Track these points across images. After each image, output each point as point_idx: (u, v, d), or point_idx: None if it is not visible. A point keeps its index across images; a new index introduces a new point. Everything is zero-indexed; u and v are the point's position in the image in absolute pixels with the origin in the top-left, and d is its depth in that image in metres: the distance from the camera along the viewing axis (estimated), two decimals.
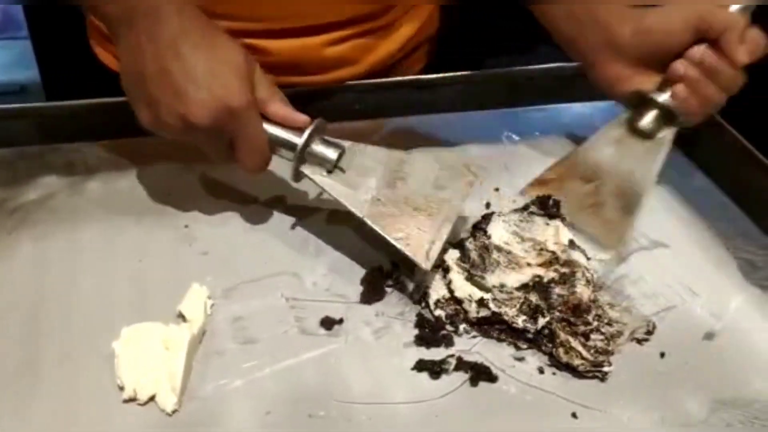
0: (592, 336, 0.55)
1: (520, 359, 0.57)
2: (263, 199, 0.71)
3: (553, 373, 0.56)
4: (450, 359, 0.56)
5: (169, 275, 0.62)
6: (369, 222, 0.58)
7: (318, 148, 0.61)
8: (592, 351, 0.55)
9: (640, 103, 0.68)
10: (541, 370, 0.56)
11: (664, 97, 0.66)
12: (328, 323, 0.58)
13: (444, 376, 0.55)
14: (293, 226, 0.68)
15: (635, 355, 0.57)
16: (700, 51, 0.65)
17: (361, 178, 0.61)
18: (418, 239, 0.58)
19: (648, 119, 0.68)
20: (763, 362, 0.57)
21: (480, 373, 0.55)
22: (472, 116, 0.85)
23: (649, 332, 0.59)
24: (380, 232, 0.58)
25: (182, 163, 0.75)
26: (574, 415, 0.53)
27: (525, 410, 0.53)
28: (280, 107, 0.62)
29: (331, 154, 0.61)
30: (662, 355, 0.57)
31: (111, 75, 0.83)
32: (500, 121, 0.84)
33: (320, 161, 0.61)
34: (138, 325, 0.55)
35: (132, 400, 0.52)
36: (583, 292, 0.58)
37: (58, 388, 0.53)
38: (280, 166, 0.64)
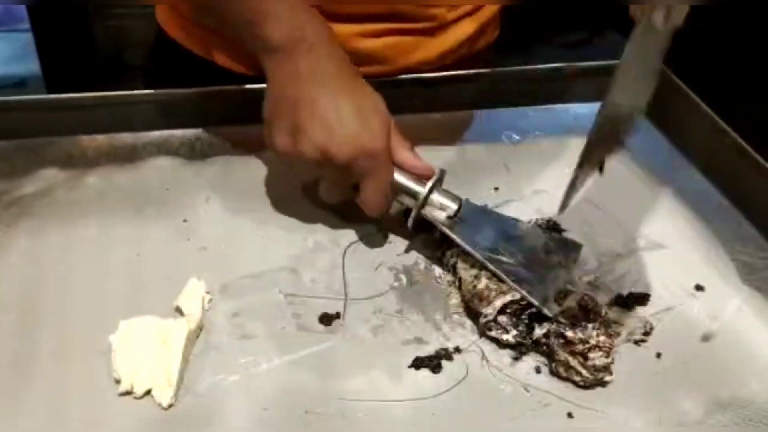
0: (591, 354, 0.54)
1: (517, 358, 0.57)
2: (263, 196, 0.71)
3: (550, 373, 0.56)
4: (442, 351, 0.56)
5: (167, 270, 0.62)
6: (490, 266, 0.60)
7: (439, 198, 0.64)
8: (591, 370, 0.54)
9: None
10: (537, 370, 0.56)
11: None
12: (326, 319, 0.59)
13: (441, 375, 0.55)
14: (292, 223, 0.68)
15: (633, 355, 0.57)
16: None
17: (477, 229, 0.64)
18: (537, 288, 0.59)
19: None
20: (759, 364, 0.57)
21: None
22: (472, 115, 0.84)
23: (647, 333, 0.59)
24: (503, 277, 0.59)
25: (181, 157, 0.75)
26: (570, 415, 0.53)
27: (521, 410, 0.53)
28: (410, 156, 0.65)
29: (452, 204, 0.64)
30: (659, 355, 0.57)
31: (179, 48, 0.83)
32: (500, 121, 0.84)
33: (441, 208, 0.64)
34: (135, 319, 0.55)
35: (128, 393, 0.52)
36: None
37: (54, 381, 0.53)
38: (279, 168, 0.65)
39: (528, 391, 0.54)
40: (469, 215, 0.64)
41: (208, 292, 0.60)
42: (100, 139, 0.76)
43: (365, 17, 0.78)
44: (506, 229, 0.65)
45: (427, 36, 0.81)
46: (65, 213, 0.67)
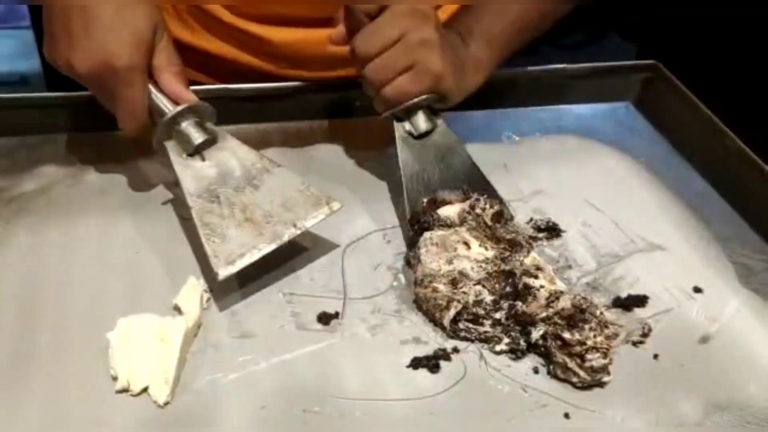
0: (588, 356, 0.54)
1: (515, 359, 0.57)
2: None
3: (548, 373, 0.56)
4: (441, 351, 0.56)
5: (166, 268, 0.62)
6: (193, 214, 0.58)
7: (187, 128, 0.61)
8: (589, 371, 0.54)
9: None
10: (536, 370, 0.56)
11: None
12: (324, 319, 0.59)
13: (439, 375, 0.55)
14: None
15: (631, 357, 0.57)
16: None
17: (215, 172, 0.61)
18: (229, 247, 0.57)
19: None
20: (758, 366, 0.57)
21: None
22: (472, 115, 0.84)
23: (645, 335, 0.59)
24: (198, 227, 0.57)
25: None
26: (567, 416, 0.53)
27: (519, 410, 0.53)
28: (171, 79, 0.62)
29: (196, 137, 0.61)
30: (657, 357, 0.57)
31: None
32: (501, 121, 0.84)
33: (184, 141, 0.61)
34: (133, 316, 0.55)
35: (125, 390, 0.52)
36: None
37: (52, 378, 0.53)
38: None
39: (526, 392, 0.54)
40: (219, 154, 0.62)
41: (206, 291, 0.60)
42: (100, 137, 0.76)
43: (329, 21, 0.76)
44: (253, 176, 0.62)
45: None
46: (65, 210, 0.67)
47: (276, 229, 0.59)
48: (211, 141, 0.61)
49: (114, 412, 0.51)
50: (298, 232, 0.59)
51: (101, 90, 0.62)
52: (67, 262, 0.62)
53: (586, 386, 0.55)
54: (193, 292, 0.58)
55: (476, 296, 0.58)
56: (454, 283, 0.58)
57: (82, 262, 0.62)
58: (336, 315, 0.59)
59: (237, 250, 0.57)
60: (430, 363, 0.55)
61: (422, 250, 0.61)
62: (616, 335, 0.58)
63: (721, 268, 0.66)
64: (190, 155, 0.61)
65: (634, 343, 0.58)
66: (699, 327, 0.60)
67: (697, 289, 0.63)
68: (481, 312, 0.57)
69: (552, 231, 0.68)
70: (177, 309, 0.58)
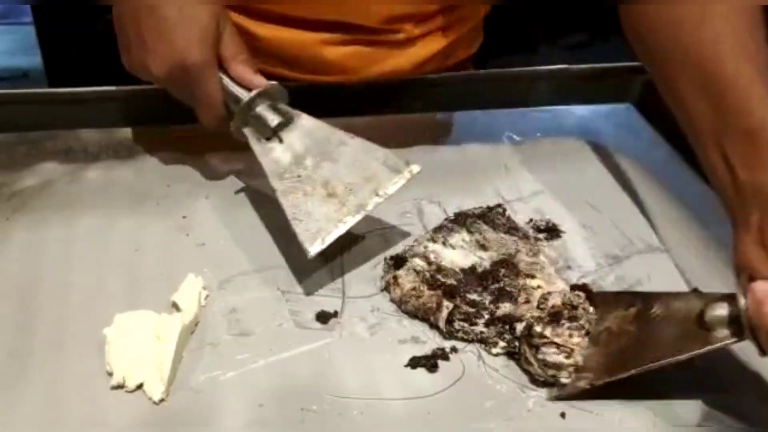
0: (544, 349, 0.54)
1: (514, 359, 0.57)
2: (263, 192, 0.71)
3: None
4: (439, 351, 0.56)
5: (165, 265, 0.62)
6: (278, 196, 0.58)
7: (263, 111, 0.62)
8: (541, 364, 0.54)
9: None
10: None
11: (743, 301, 0.49)
12: (323, 317, 0.59)
13: (437, 374, 0.55)
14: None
15: None
16: None
17: (293, 151, 0.61)
18: (316, 224, 0.57)
19: (716, 308, 0.51)
20: (755, 371, 0.57)
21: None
22: (473, 116, 0.85)
23: None
24: (283, 207, 0.57)
25: (183, 152, 0.75)
26: (565, 416, 0.53)
27: (517, 410, 0.53)
28: (241, 68, 0.63)
29: (272, 119, 0.62)
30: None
31: (65, 57, 0.84)
32: (502, 122, 0.84)
33: (261, 125, 0.62)
34: (130, 312, 0.55)
35: (120, 387, 0.52)
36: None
37: (48, 373, 0.53)
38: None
39: (524, 392, 0.54)
40: (297, 134, 0.62)
41: (205, 288, 0.60)
42: (101, 133, 0.77)
43: (328, 26, 0.77)
44: (330, 150, 0.62)
45: (393, 49, 0.80)
46: (65, 206, 0.67)
47: (359, 199, 0.59)
48: (286, 122, 0.62)
49: (109, 408, 0.51)
50: (381, 200, 0.59)
51: (179, 89, 0.64)
52: (67, 258, 0.62)
53: (545, 381, 0.54)
54: (191, 289, 0.58)
55: (464, 295, 0.58)
56: (435, 281, 0.59)
57: (82, 258, 0.62)
58: (335, 314, 0.59)
59: (324, 225, 0.57)
60: (429, 362, 0.55)
61: (402, 275, 0.61)
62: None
63: (721, 271, 0.66)
64: (268, 138, 0.62)
65: None
66: None
67: (696, 291, 0.63)
68: (472, 311, 0.57)
69: (552, 232, 0.68)
70: (175, 306, 0.58)
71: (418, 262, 0.61)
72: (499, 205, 0.68)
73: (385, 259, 0.64)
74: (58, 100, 0.77)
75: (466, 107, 0.85)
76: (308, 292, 0.61)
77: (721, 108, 0.53)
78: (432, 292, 0.58)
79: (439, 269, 0.60)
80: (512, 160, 0.78)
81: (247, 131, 0.63)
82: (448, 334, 0.57)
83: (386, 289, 0.61)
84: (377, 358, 0.56)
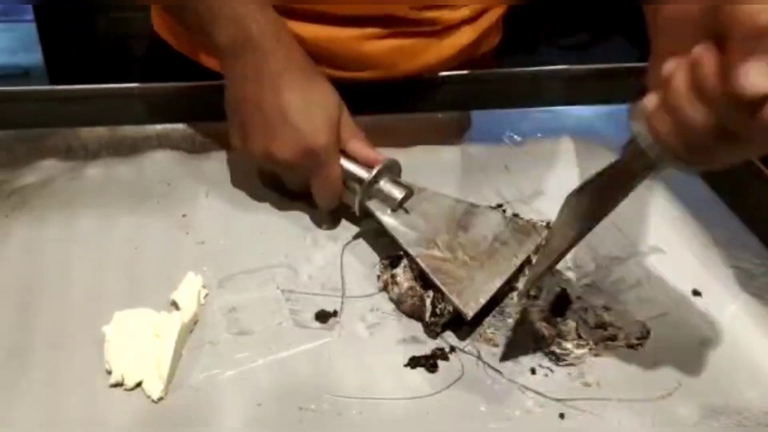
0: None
1: (514, 360, 0.57)
2: (262, 191, 0.71)
3: (545, 375, 0.56)
4: (438, 351, 0.56)
5: (164, 263, 0.62)
6: (419, 261, 0.59)
7: (386, 185, 0.64)
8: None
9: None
10: (533, 371, 0.56)
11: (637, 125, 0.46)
12: (322, 317, 0.59)
13: (436, 374, 0.55)
14: (291, 219, 0.68)
15: (628, 359, 0.57)
16: (699, 52, 0.41)
17: (422, 221, 0.63)
18: (466, 287, 0.58)
19: (629, 155, 0.50)
20: (755, 371, 0.57)
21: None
22: (474, 115, 0.85)
23: (643, 337, 0.59)
24: (428, 272, 0.58)
25: (182, 151, 0.75)
26: (564, 417, 0.53)
27: (516, 410, 0.53)
28: (360, 146, 0.65)
29: (398, 193, 0.63)
30: (655, 360, 0.57)
31: (171, 50, 0.85)
32: (502, 122, 0.84)
33: (386, 199, 0.64)
34: (130, 310, 0.55)
35: (119, 385, 0.52)
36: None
37: (47, 371, 0.53)
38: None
39: (523, 393, 0.54)
40: (419, 205, 0.64)
41: (204, 287, 0.60)
42: (101, 131, 0.77)
43: (366, 20, 0.77)
44: (456, 218, 0.64)
45: (430, 40, 0.81)
46: (65, 204, 0.67)
47: (500, 262, 0.61)
48: (409, 194, 0.64)
49: (107, 406, 0.51)
50: (519, 262, 0.61)
51: (299, 171, 0.65)
52: (67, 256, 0.62)
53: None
54: (190, 288, 0.58)
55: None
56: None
57: (81, 256, 0.62)
58: (334, 313, 0.59)
59: (474, 286, 0.58)
60: (428, 362, 0.55)
61: (400, 273, 0.61)
62: (614, 337, 0.59)
63: (721, 272, 0.66)
64: (393, 210, 0.63)
65: (633, 346, 0.58)
66: (697, 330, 0.60)
67: (696, 293, 0.63)
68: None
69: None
70: (174, 304, 0.58)
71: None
72: (499, 206, 0.68)
73: (381, 259, 0.64)
74: (58, 98, 0.77)
75: (466, 107, 0.85)
76: (308, 292, 0.61)
77: None
78: (424, 291, 0.58)
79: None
80: (513, 160, 0.78)
81: (372, 205, 0.64)
82: (433, 334, 0.58)
83: (384, 288, 0.61)
84: (376, 357, 0.56)
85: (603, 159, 0.76)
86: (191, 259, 0.63)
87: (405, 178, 0.67)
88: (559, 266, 0.65)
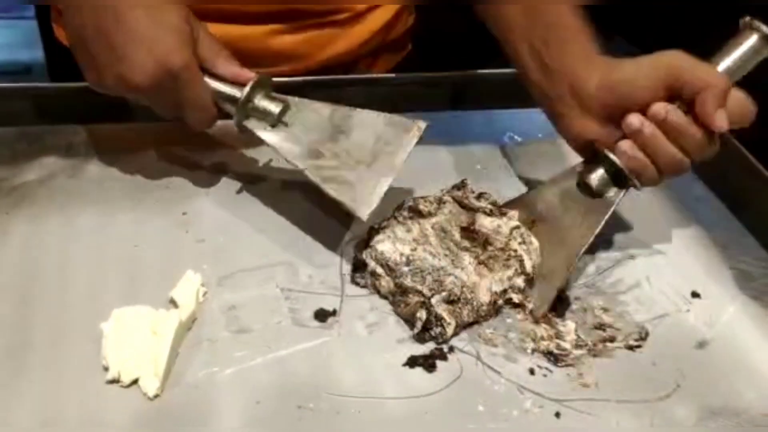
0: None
1: (512, 360, 0.57)
2: (264, 190, 0.71)
3: (544, 375, 0.56)
4: (437, 351, 0.56)
5: (164, 261, 0.62)
6: (308, 174, 0.59)
7: (261, 102, 0.63)
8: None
9: (593, 157, 0.63)
10: (531, 371, 0.56)
11: (614, 156, 0.61)
12: (321, 315, 0.59)
13: (435, 374, 0.55)
14: (291, 218, 0.68)
15: (627, 360, 0.57)
16: (663, 108, 0.58)
17: (304, 132, 0.62)
18: (358, 191, 0.58)
19: (596, 176, 0.62)
20: (754, 372, 0.57)
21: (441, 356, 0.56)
22: (475, 115, 0.84)
23: (642, 338, 0.59)
24: (319, 184, 0.58)
25: (184, 148, 0.75)
26: (562, 417, 0.53)
27: (514, 411, 0.53)
28: (226, 65, 0.63)
29: (274, 108, 0.62)
30: (654, 361, 0.57)
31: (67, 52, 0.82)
32: (502, 122, 0.84)
33: (263, 115, 0.63)
34: (128, 308, 0.55)
35: (115, 381, 0.52)
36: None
37: (45, 367, 0.53)
38: (280, 159, 0.64)
39: (521, 393, 0.54)
40: (297, 117, 0.63)
41: (203, 285, 0.59)
42: (102, 129, 0.76)
43: (273, 17, 0.77)
44: (335, 124, 0.63)
45: (342, 28, 0.81)
46: (65, 201, 0.67)
47: (387, 160, 0.61)
48: (286, 107, 0.63)
49: (103, 402, 0.51)
50: (406, 155, 0.62)
51: (162, 96, 0.61)
52: (66, 253, 0.62)
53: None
54: (189, 285, 0.58)
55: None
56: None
57: (81, 253, 0.62)
58: (333, 312, 0.59)
59: (365, 189, 0.58)
60: (427, 362, 0.55)
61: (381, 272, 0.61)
62: (613, 339, 0.59)
63: (720, 274, 0.66)
64: (273, 126, 0.63)
65: (631, 347, 0.58)
66: (696, 332, 0.60)
67: (695, 294, 0.63)
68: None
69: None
70: (173, 302, 0.58)
71: (372, 264, 0.61)
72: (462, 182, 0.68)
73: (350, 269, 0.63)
74: (59, 95, 0.77)
75: (466, 107, 0.85)
76: (307, 290, 0.61)
77: (529, 11, 0.65)
78: (408, 298, 0.59)
79: (390, 269, 0.60)
80: (514, 160, 0.78)
81: (250, 124, 0.63)
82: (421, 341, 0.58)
83: (373, 287, 0.61)
84: (375, 357, 0.56)
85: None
86: (191, 257, 0.63)
87: (401, 181, 0.66)
88: None
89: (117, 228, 0.65)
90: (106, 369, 0.52)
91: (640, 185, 0.61)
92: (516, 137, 0.82)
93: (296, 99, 0.64)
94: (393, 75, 0.84)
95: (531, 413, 0.53)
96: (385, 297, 0.61)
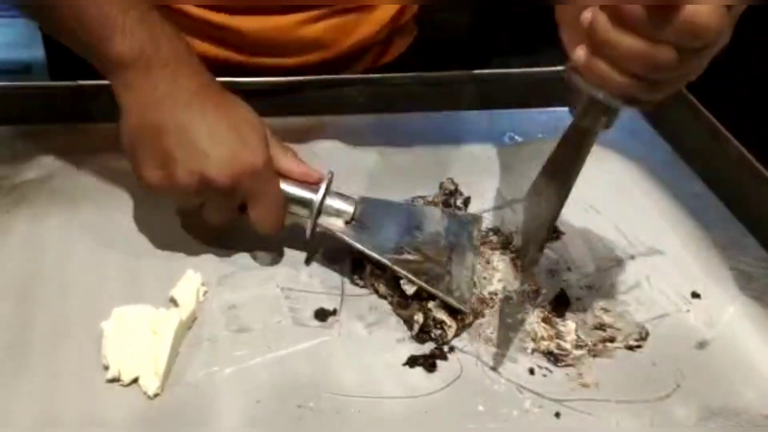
0: None
1: (512, 360, 0.57)
2: None
3: (544, 375, 0.56)
4: (437, 351, 0.56)
5: (164, 260, 0.62)
6: (398, 269, 0.58)
7: (334, 201, 0.61)
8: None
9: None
10: (531, 371, 0.56)
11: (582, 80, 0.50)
12: (321, 315, 0.59)
13: (435, 374, 0.55)
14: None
15: (627, 361, 0.57)
16: None
17: (378, 229, 0.62)
18: (449, 281, 0.59)
19: (577, 109, 0.54)
20: (753, 373, 0.57)
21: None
22: (475, 115, 0.84)
23: (642, 339, 0.59)
24: (413, 279, 0.58)
25: None
26: (563, 417, 0.53)
27: (514, 410, 0.53)
28: (295, 163, 0.61)
29: (348, 207, 0.61)
30: (654, 361, 0.57)
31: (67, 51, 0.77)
32: (503, 122, 0.84)
33: (337, 214, 0.61)
34: (128, 306, 0.55)
35: (115, 380, 0.52)
36: None
37: (45, 366, 0.53)
38: None
39: (521, 393, 0.54)
40: (367, 214, 0.62)
41: (204, 284, 0.60)
42: (102, 127, 0.76)
43: (303, 6, 0.78)
44: (407, 220, 0.64)
45: (360, 15, 0.82)
46: (65, 200, 0.67)
47: (464, 253, 0.63)
48: (357, 205, 0.62)
49: (103, 401, 0.51)
50: (477, 243, 0.65)
51: (235, 197, 0.58)
52: (67, 252, 0.62)
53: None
54: (189, 285, 0.58)
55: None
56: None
57: (82, 252, 0.62)
58: (333, 312, 0.59)
59: (456, 281, 0.59)
60: (427, 362, 0.55)
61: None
62: (613, 339, 0.59)
63: (720, 274, 0.66)
64: (347, 223, 0.61)
65: (631, 347, 0.58)
66: (696, 332, 0.60)
67: (696, 295, 0.63)
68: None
69: (551, 233, 0.68)
70: (173, 301, 0.58)
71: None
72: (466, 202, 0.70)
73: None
74: (59, 94, 0.77)
75: (466, 107, 0.85)
76: (307, 290, 0.61)
77: None
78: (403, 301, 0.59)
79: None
80: (513, 160, 0.78)
81: (325, 222, 0.61)
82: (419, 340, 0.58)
83: (372, 287, 0.61)
84: (375, 356, 0.56)
85: (603, 159, 0.77)
86: (191, 256, 0.63)
87: (401, 181, 0.66)
88: (559, 267, 0.65)
89: (118, 227, 0.65)
90: (106, 368, 0.52)
91: (614, 101, 0.50)
92: (516, 137, 0.82)
93: (358, 197, 0.63)
94: (393, 75, 0.83)
95: (531, 413, 0.53)
96: (384, 297, 0.61)
